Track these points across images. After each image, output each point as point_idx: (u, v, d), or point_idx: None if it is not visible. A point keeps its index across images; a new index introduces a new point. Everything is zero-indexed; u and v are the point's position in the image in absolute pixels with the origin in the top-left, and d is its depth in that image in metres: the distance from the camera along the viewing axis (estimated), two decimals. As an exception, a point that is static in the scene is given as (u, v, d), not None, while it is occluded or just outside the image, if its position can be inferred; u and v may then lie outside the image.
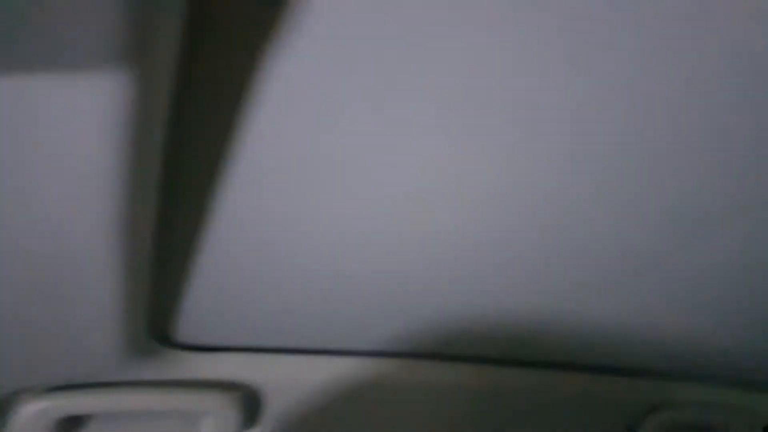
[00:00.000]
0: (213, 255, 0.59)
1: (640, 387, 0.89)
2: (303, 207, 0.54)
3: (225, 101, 0.44)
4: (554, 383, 0.86)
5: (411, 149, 0.49)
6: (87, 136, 0.36)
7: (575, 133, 0.48)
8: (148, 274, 0.55)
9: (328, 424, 0.83)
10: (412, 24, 0.39)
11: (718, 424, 0.95)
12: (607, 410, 0.90)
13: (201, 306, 0.66)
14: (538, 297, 0.70)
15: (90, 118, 0.35)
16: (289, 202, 0.54)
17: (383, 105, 0.45)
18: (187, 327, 0.70)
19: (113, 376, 0.69)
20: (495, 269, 0.65)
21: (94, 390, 0.69)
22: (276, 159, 0.49)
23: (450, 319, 0.73)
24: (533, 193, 0.55)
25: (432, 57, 0.41)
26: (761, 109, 0.46)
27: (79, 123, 0.36)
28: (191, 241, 0.58)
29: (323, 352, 0.78)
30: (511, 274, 0.65)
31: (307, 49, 0.40)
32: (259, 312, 0.68)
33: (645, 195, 0.55)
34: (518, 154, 0.50)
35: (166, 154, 0.44)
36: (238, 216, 0.55)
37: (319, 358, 0.77)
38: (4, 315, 0.53)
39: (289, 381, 0.77)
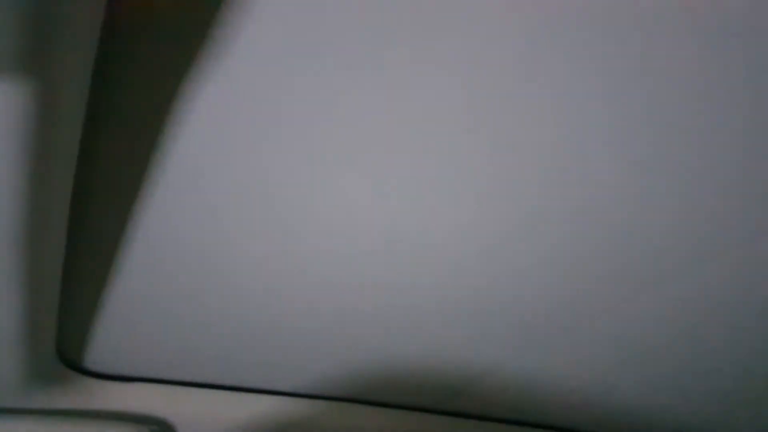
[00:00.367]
0: (129, 280, 0.59)
1: None
2: (221, 236, 0.54)
3: (144, 112, 0.44)
4: None
5: (341, 179, 0.50)
6: None
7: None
8: (57, 295, 0.54)
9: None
10: (368, 20, 0.38)
11: None
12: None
13: (116, 333, 0.65)
14: (471, 349, 0.70)
15: None
16: (208, 230, 0.54)
17: (314, 114, 0.45)
18: (100, 354, 0.68)
19: (16, 402, 0.66)
20: (422, 315, 0.65)
21: None
22: (195, 185, 0.49)
23: (370, 365, 0.73)
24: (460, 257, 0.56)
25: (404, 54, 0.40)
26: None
27: None
28: (106, 265, 0.57)
29: (239, 389, 0.76)
30: (443, 321, 0.66)
31: (237, 50, 0.40)
32: (175, 343, 0.67)
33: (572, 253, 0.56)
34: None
35: (78, 172, 0.44)
36: (156, 243, 0.55)
37: (234, 395, 0.76)
38: None
39: (203, 416, 0.75)
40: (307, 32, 0.39)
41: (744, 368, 0.69)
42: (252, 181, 0.49)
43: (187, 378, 0.74)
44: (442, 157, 0.47)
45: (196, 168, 0.48)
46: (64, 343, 0.66)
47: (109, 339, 0.66)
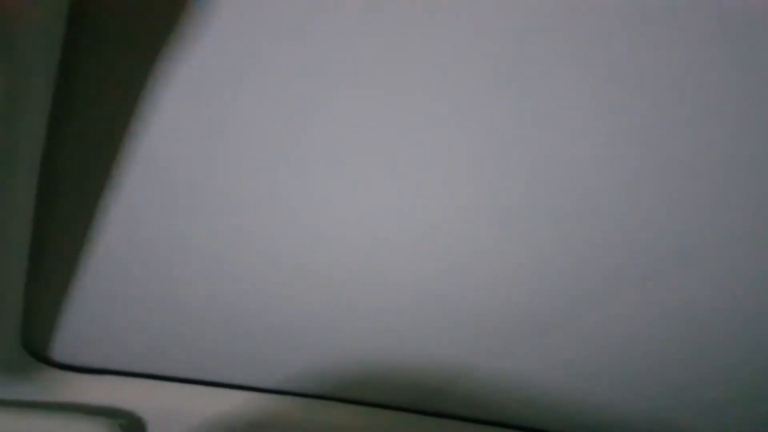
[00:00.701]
0: (98, 271, 0.57)
1: None
2: (190, 227, 0.54)
3: (113, 107, 0.43)
4: None
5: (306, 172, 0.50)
6: None
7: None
8: (22, 285, 0.53)
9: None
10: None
11: None
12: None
13: (84, 324, 0.64)
14: (446, 348, 0.70)
15: None
16: (177, 221, 0.53)
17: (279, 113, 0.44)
18: (68, 345, 0.67)
19: None
20: (403, 315, 0.65)
21: None
22: (167, 175, 0.49)
23: (342, 362, 0.72)
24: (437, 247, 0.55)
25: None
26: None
27: None
28: (75, 255, 0.56)
29: (210, 384, 0.76)
30: (416, 320, 0.66)
31: (204, 48, 0.39)
32: (144, 336, 0.66)
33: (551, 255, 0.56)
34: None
35: (44, 162, 0.43)
36: (126, 234, 0.54)
37: (205, 389, 0.75)
38: None
39: (174, 410, 0.74)
40: (287, 28, 0.38)
41: (732, 369, 0.70)
42: (219, 173, 0.48)
43: (157, 371, 0.73)
44: (430, 155, 0.46)
45: (165, 160, 0.47)
46: (31, 335, 0.64)
47: (78, 330, 0.65)
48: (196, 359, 0.72)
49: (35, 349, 0.67)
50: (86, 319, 0.63)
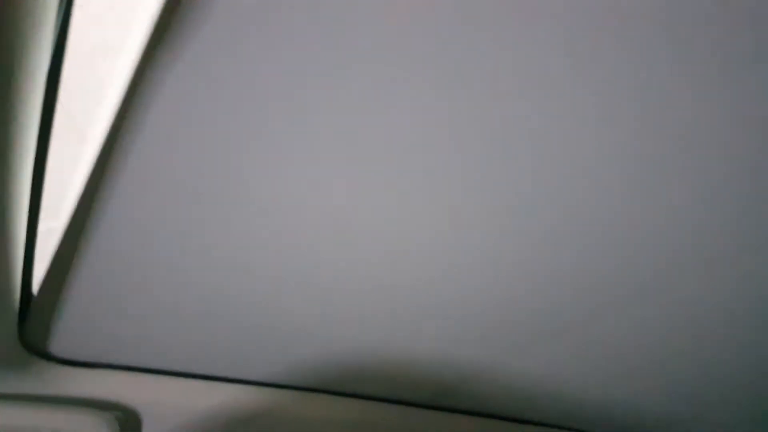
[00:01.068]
0: (95, 265, 0.58)
1: None
2: (190, 225, 0.54)
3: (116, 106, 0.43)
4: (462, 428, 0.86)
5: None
6: None
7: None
8: (17, 279, 0.53)
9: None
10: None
11: None
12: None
13: (80, 319, 0.64)
14: (458, 346, 0.70)
15: None
16: (177, 217, 0.53)
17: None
18: (64, 339, 0.67)
19: None
20: (405, 311, 0.65)
21: None
22: (163, 171, 0.49)
23: (340, 356, 0.73)
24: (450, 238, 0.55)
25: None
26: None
27: None
28: (71, 250, 0.56)
29: (205, 378, 0.76)
30: (426, 316, 0.66)
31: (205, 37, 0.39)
32: (140, 330, 0.67)
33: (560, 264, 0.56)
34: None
35: (37, 154, 0.43)
36: (122, 228, 0.54)
37: (200, 383, 0.76)
38: None
39: (170, 405, 0.75)
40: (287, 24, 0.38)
41: (734, 372, 0.71)
42: (214, 167, 0.49)
43: (152, 365, 0.73)
44: (442, 156, 0.46)
45: (161, 157, 0.47)
46: (27, 329, 0.65)
47: (74, 325, 0.65)
48: (191, 353, 0.72)
49: (31, 343, 0.67)
50: (82, 314, 0.63)
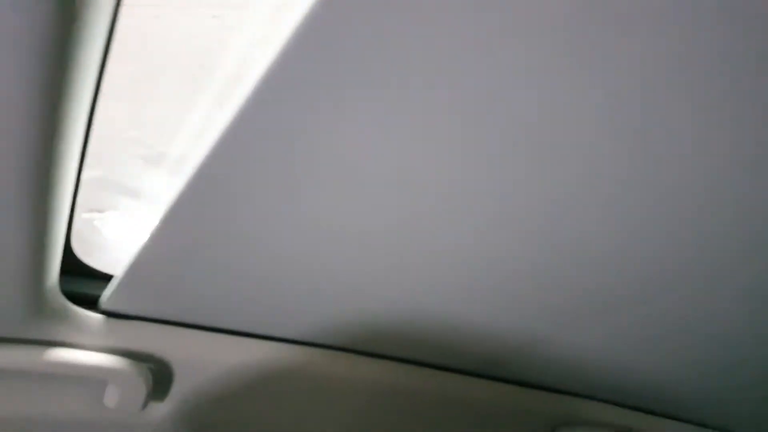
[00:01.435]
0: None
1: (546, 402, 0.92)
2: (225, 185, 0.52)
3: None
4: (471, 389, 0.87)
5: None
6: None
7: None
8: (63, 226, 0.53)
9: (236, 406, 0.82)
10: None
11: None
12: (511, 421, 0.93)
13: (122, 273, 0.64)
14: (460, 305, 0.70)
15: None
16: (215, 179, 0.52)
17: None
18: (103, 290, 0.68)
19: (13, 331, 0.66)
20: (421, 272, 0.65)
21: None
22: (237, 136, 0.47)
23: (372, 317, 0.73)
24: (487, 206, 0.54)
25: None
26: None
27: None
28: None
29: (238, 333, 0.76)
30: (437, 279, 0.66)
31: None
32: (180, 285, 0.66)
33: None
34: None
35: (93, 102, 0.42)
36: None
37: (235, 339, 0.76)
38: None
39: (203, 359, 0.76)
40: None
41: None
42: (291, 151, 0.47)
43: (187, 320, 0.74)
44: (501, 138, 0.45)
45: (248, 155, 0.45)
46: (67, 279, 0.65)
47: (114, 278, 0.65)
48: (225, 310, 0.72)
49: (71, 292, 0.67)
50: (123, 269, 0.63)
